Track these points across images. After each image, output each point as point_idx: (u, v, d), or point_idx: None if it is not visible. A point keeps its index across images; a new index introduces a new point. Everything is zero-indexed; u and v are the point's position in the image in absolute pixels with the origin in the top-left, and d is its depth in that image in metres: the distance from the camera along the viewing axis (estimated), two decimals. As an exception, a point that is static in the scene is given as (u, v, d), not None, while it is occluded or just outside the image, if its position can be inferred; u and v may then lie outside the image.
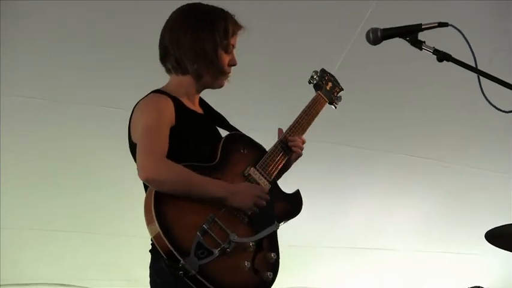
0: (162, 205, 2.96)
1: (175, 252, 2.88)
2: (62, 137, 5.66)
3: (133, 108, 3.28)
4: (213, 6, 3.40)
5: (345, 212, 6.96)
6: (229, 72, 3.39)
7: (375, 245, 7.38)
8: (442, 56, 2.97)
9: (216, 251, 2.98)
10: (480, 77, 2.93)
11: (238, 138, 3.43)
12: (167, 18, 3.42)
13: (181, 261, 2.87)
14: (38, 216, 5.95)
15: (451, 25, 3.00)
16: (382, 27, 3.13)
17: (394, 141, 6.74)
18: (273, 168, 3.39)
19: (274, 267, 3.23)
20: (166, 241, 2.88)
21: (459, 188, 7.30)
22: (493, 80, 2.86)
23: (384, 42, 3.15)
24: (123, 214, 6.09)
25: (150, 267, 3.19)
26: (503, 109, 2.88)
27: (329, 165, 6.46)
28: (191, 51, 3.28)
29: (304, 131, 3.60)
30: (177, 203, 3.00)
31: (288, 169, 3.56)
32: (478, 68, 2.92)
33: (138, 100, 3.28)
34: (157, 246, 2.91)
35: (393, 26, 3.11)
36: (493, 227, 4.17)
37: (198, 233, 2.96)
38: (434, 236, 7.54)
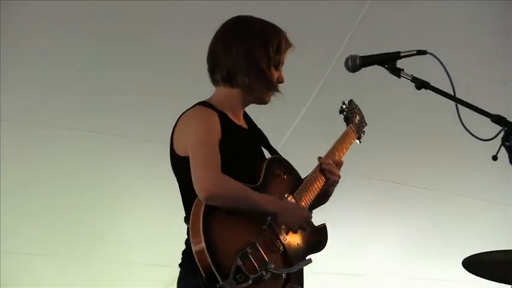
0: (210, 221, 2.90)
1: (215, 272, 2.83)
2: (61, 163, 5.69)
3: (178, 118, 3.22)
4: (266, 20, 3.38)
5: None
6: (278, 89, 3.36)
7: (356, 271, 7.36)
8: (420, 84, 2.98)
9: (253, 277, 2.93)
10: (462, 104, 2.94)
11: (280, 163, 3.40)
12: (216, 31, 3.37)
13: (221, 283, 2.82)
14: (38, 241, 5.93)
15: (430, 53, 3.01)
16: (360, 55, 3.14)
17: (377, 167, 6.74)
18: (308, 198, 3.37)
19: None
20: (209, 259, 2.83)
21: (442, 214, 7.31)
22: (470, 108, 2.86)
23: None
24: (122, 239, 6.11)
25: (178, 281, 3.14)
26: (485, 136, 2.88)
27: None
28: (244, 64, 3.24)
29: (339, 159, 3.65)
30: (224, 221, 2.96)
31: (328, 198, 3.57)
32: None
33: (184, 111, 3.23)
34: (198, 262, 2.85)
35: (372, 54, 3.12)
36: (472, 254, 4.17)
37: (238, 256, 2.91)
38: (416, 263, 7.53)
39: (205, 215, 2.89)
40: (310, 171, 3.47)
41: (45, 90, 5.31)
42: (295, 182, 3.40)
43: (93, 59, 5.30)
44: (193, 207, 2.94)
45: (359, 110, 3.96)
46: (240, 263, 2.89)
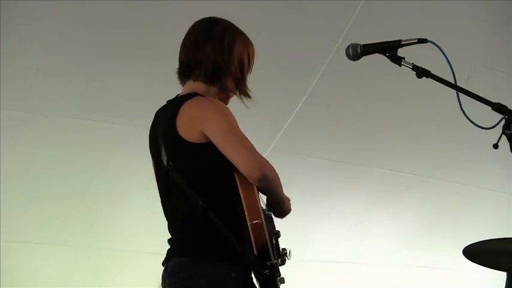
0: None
1: (270, 250, 2.89)
2: (60, 151, 5.69)
3: (179, 107, 3.19)
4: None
5: (323, 225, 6.96)
6: (250, 95, 3.41)
7: (352, 259, 7.38)
8: (421, 72, 2.98)
9: (280, 260, 3.05)
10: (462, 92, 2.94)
11: None
12: (189, 27, 3.45)
13: (274, 261, 2.88)
14: (37, 229, 5.94)
15: (430, 41, 3.01)
16: (362, 43, 3.14)
17: (373, 155, 6.75)
18: None
19: None
20: (267, 237, 2.88)
21: (441, 203, 7.32)
22: (471, 96, 2.86)
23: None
24: (122, 228, 6.13)
25: (178, 271, 3.10)
26: (486, 125, 2.88)
27: (307, 178, 6.45)
28: (232, 68, 3.31)
29: None
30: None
31: None
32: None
33: (181, 102, 3.22)
34: (254, 239, 2.87)
35: (373, 42, 3.12)
36: (471, 242, 4.18)
37: (274, 238, 3.03)
38: (415, 251, 7.55)
39: (258, 195, 2.97)
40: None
41: (44, 78, 5.29)
42: None
43: (92, 47, 5.29)
44: (241, 186, 2.97)
45: None
46: (274, 243, 3.02)
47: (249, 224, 2.87)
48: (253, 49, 3.43)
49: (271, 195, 3.15)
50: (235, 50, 3.32)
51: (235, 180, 3.00)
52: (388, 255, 7.52)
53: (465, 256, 4.12)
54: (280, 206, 3.23)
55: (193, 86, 3.34)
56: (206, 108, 3.16)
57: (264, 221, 2.89)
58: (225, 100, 3.40)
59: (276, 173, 3.08)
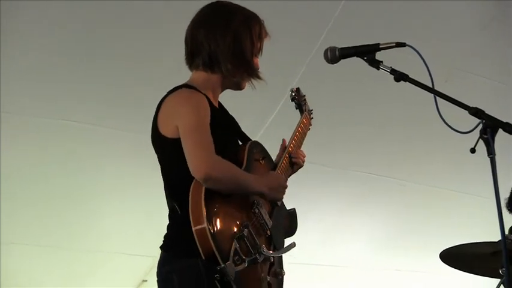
0: (211, 203, 2.90)
1: (217, 255, 2.83)
2: (39, 152, 5.66)
3: (162, 100, 3.18)
4: (245, 7, 3.36)
5: (300, 227, 6.95)
6: (260, 76, 3.34)
7: (328, 262, 7.38)
8: (399, 76, 2.98)
9: (248, 260, 2.97)
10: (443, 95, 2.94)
11: (259, 148, 3.42)
12: (196, 12, 3.34)
13: (222, 265, 2.82)
14: (17, 230, 5.92)
15: (409, 45, 3.00)
16: (340, 46, 3.14)
17: (351, 158, 6.75)
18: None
19: (281, 283, 3.29)
20: (212, 242, 2.83)
21: (416, 206, 7.33)
22: (448, 100, 2.86)
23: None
24: (101, 229, 6.15)
25: (162, 265, 3.09)
26: (466, 129, 2.87)
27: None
28: (229, 52, 3.21)
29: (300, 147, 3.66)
30: (221, 204, 2.97)
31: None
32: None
33: (166, 94, 3.19)
34: (199, 244, 2.84)
35: (351, 46, 3.11)
36: (449, 246, 4.19)
37: (235, 239, 2.94)
38: (390, 254, 7.56)
39: (205, 198, 2.90)
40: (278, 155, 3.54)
41: (19, 78, 5.26)
42: (271, 167, 3.43)
43: (73, 49, 5.27)
44: (191, 189, 2.93)
45: (305, 97, 3.96)
46: (237, 245, 2.93)
47: (193, 229, 2.86)
48: (258, 27, 3.33)
49: (239, 192, 3.09)
50: (230, 33, 3.23)
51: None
52: (365, 258, 7.53)
53: (442, 260, 4.14)
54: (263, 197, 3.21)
55: (193, 76, 3.30)
56: (180, 103, 3.13)
57: (207, 226, 2.84)
58: (239, 85, 3.36)
59: (229, 172, 3.01)
